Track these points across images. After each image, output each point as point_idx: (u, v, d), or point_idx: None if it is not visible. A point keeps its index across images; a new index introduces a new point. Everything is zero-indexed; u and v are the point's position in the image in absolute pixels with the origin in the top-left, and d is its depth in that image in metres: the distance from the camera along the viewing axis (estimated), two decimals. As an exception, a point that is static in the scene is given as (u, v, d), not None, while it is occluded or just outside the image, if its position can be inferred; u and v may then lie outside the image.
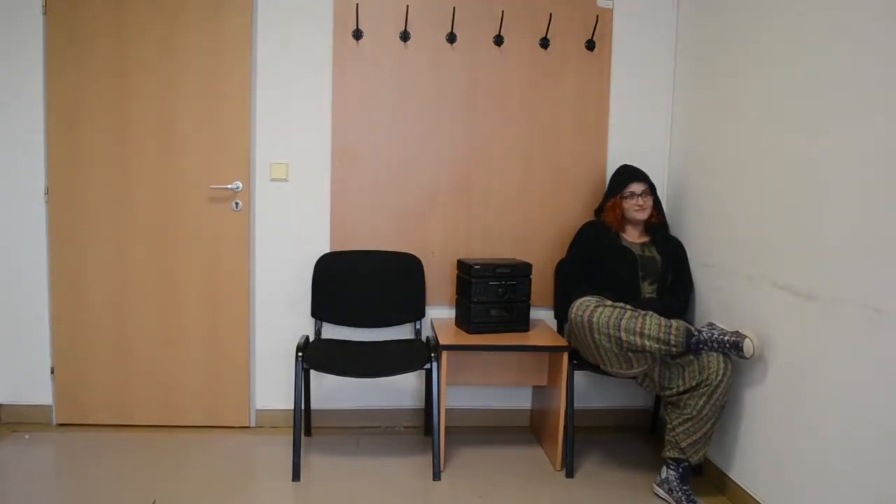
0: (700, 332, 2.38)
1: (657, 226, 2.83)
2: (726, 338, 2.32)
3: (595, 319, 2.41)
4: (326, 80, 2.92)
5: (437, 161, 3.00)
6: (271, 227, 2.96)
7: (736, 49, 2.56)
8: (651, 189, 2.78)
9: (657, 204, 2.82)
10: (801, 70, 2.16)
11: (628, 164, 2.88)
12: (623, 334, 2.35)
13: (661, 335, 2.33)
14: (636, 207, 2.74)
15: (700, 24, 2.86)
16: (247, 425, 3.02)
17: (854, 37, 1.93)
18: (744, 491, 2.39)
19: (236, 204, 2.93)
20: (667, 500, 2.45)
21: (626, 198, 2.77)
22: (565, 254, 2.92)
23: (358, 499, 2.44)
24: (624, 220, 2.79)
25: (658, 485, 2.49)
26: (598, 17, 2.98)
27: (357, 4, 2.87)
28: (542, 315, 3.05)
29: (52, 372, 2.94)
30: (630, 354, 2.38)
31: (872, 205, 1.83)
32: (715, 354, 2.36)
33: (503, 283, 2.77)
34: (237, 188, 2.92)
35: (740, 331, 2.33)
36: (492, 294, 2.76)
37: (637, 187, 2.76)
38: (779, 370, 2.23)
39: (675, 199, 3.03)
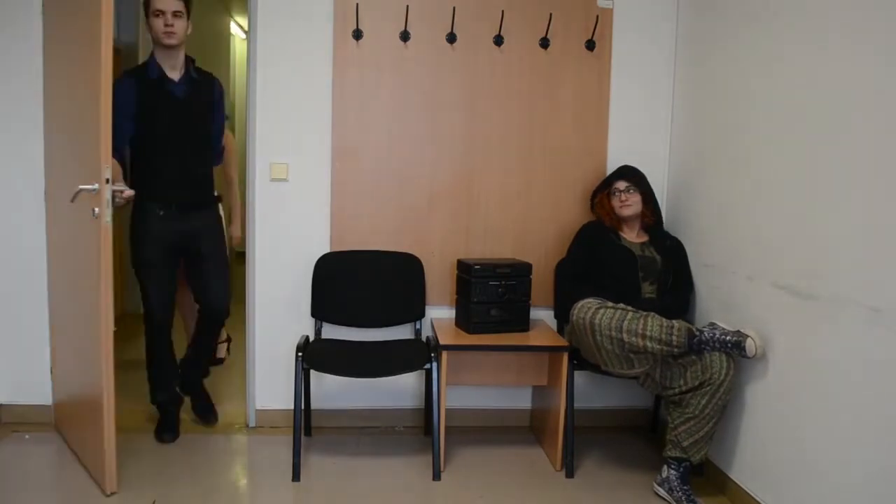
0: (702, 332, 2.38)
1: (654, 226, 2.83)
2: (728, 338, 2.32)
3: (597, 321, 2.41)
4: (326, 80, 2.92)
5: (437, 161, 2.99)
6: (271, 227, 2.96)
7: (736, 49, 2.56)
8: (638, 187, 2.78)
9: (650, 203, 2.81)
10: (800, 69, 2.16)
11: (627, 165, 2.89)
12: (625, 336, 2.35)
13: (664, 336, 2.33)
14: (619, 204, 2.77)
15: (700, 25, 2.86)
16: (247, 425, 3.03)
17: (854, 37, 1.93)
18: (744, 491, 2.39)
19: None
20: (667, 500, 2.45)
21: (612, 194, 2.80)
22: (565, 254, 2.92)
23: (358, 499, 2.44)
24: (616, 218, 2.81)
25: (659, 484, 2.49)
26: (598, 17, 2.98)
27: (357, 4, 2.87)
28: (542, 315, 3.04)
29: (52, 372, 2.94)
30: (632, 355, 2.38)
31: (872, 205, 1.83)
32: (718, 354, 2.36)
33: (503, 283, 2.77)
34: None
35: (742, 330, 2.33)
36: (492, 294, 2.76)
37: (620, 184, 2.79)
38: (778, 370, 2.23)
39: (675, 199, 3.03)
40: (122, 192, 2.33)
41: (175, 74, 2.62)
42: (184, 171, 2.69)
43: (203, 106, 2.73)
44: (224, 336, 3.81)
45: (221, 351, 3.78)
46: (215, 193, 2.92)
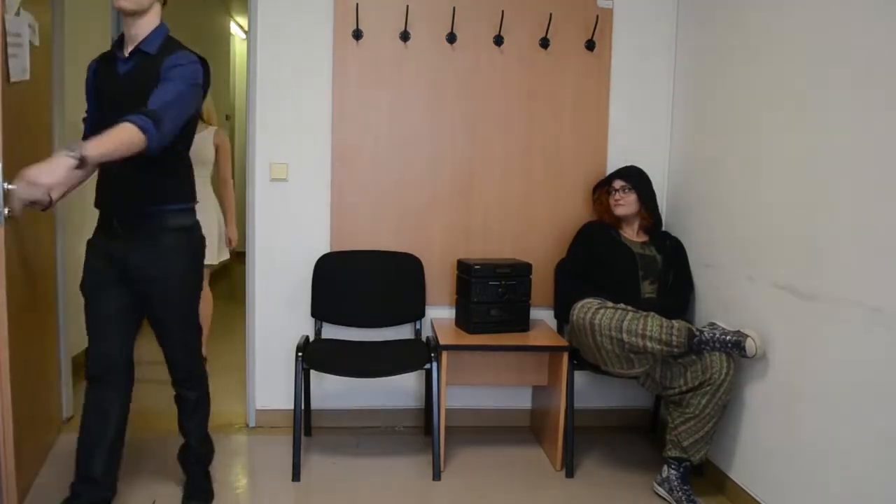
0: (702, 332, 2.38)
1: (652, 228, 2.84)
2: (728, 337, 2.32)
3: (597, 321, 2.41)
4: (326, 80, 2.92)
5: (437, 161, 2.99)
6: (271, 227, 2.96)
7: (736, 49, 2.56)
8: (635, 188, 2.79)
9: (648, 206, 2.81)
10: (800, 70, 2.16)
11: (634, 165, 2.90)
12: (625, 336, 2.36)
13: (664, 336, 2.34)
14: (613, 202, 2.81)
15: (700, 25, 2.86)
16: (247, 425, 3.03)
17: (854, 37, 1.93)
18: (744, 491, 2.39)
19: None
20: (667, 500, 2.45)
21: (609, 193, 2.83)
22: (565, 254, 2.93)
23: (358, 499, 2.44)
24: (615, 216, 2.83)
25: (659, 484, 2.49)
26: (598, 17, 2.98)
27: (357, 4, 2.87)
28: (542, 315, 3.04)
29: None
30: (632, 355, 2.38)
31: (872, 205, 1.83)
32: (718, 354, 2.36)
33: (503, 283, 2.77)
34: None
35: (742, 330, 2.33)
36: (492, 294, 2.76)
37: (617, 183, 2.82)
38: (779, 370, 2.23)
39: (675, 199, 3.03)
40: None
41: (129, 49, 2.02)
42: (118, 171, 1.97)
43: (149, 86, 1.94)
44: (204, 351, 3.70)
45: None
46: (179, 207, 2.11)
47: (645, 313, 2.40)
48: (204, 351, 3.53)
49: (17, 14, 2.14)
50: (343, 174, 2.95)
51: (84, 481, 2.09)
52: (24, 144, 2.03)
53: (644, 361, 2.41)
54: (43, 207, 2.02)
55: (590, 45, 3.00)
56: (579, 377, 2.92)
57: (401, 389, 3.07)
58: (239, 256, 3.60)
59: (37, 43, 2.35)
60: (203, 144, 3.45)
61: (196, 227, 2.20)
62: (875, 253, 1.82)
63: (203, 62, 2.06)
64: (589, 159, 3.05)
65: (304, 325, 2.95)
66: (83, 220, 2.90)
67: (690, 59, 2.93)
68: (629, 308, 2.44)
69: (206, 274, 3.54)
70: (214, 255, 3.51)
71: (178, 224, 2.10)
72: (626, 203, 2.78)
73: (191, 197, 2.17)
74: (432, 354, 2.63)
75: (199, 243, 2.21)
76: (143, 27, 2.01)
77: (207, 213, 3.44)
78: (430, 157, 2.99)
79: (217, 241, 3.53)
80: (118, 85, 2.02)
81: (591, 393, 3.12)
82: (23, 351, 2.25)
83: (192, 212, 2.19)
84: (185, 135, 2.07)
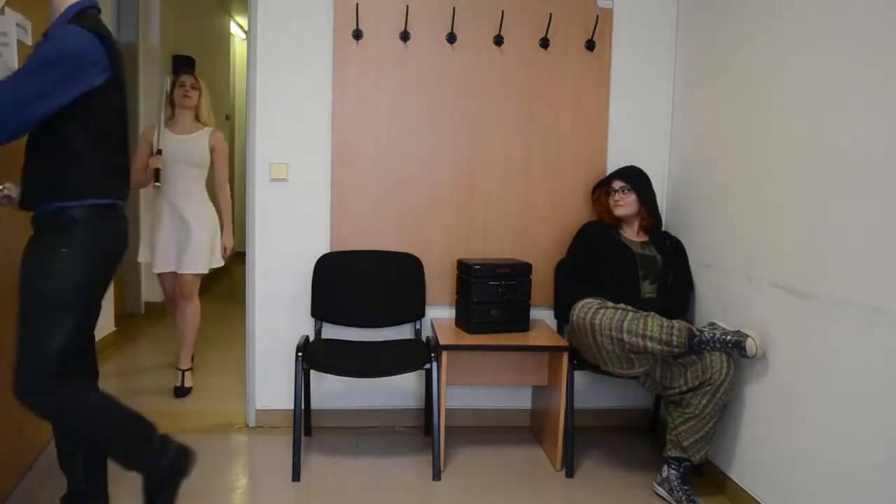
0: (702, 332, 2.38)
1: (652, 228, 2.84)
2: (728, 337, 2.32)
3: (597, 321, 2.41)
4: (326, 81, 2.92)
5: (437, 161, 2.99)
6: (271, 227, 2.96)
7: (736, 49, 2.56)
8: (634, 188, 2.79)
9: (648, 206, 2.81)
10: (801, 70, 2.16)
11: (634, 165, 2.91)
12: (625, 336, 2.36)
13: (664, 336, 2.34)
14: (612, 203, 2.81)
15: (700, 24, 2.86)
16: (247, 425, 3.03)
17: (855, 38, 1.93)
18: (744, 491, 2.39)
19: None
20: (667, 500, 2.45)
21: (609, 193, 2.84)
22: (565, 254, 2.93)
23: (358, 499, 2.44)
24: (615, 216, 2.83)
25: (659, 484, 2.49)
26: (598, 17, 2.98)
27: (357, 4, 2.87)
28: (542, 315, 3.04)
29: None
30: (632, 355, 2.39)
31: (872, 205, 1.83)
32: (718, 354, 2.36)
33: (503, 283, 2.77)
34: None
35: (742, 330, 2.33)
36: (492, 294, 2.76)
37: (616, 183, 2.82)
38: (779, 370, 2.23)
39: (675, 198, 3.03)
40: None
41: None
42: (23, 165, 1.87)
43: None
44: (188, 364, 3.42)
45: (188, 380, 3.39)
46: (60, 204, 1.82)
47: (645, 313, 2.40)
48: (189, 364, 3.41)
49: (2, 13, 2.13)
50: (343, 174, 2.95)
51: (74, 495, 2.04)
52: (13, 144, 2.01)
53: (644, 361, 2.41)
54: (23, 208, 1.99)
55: (590, 45, 3.00)
56: (579, 377, 2.92)
57: (401, 389, 3.07)
58: (239, 256, 3.59)
59: (29, 42, 2.34)
60: (197, 146, 3.35)
61: (91, 225, 1.84)
62: (875, 253, 1.82)
63: (99, 37, 1.80)
64: (589, 159, 3.05)
65: (304, 325, 2.95)
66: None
67: (690, 59, 2.93)
68: (629, 308, 2.44)
69: (197, 281, 3.42)
70: (206, 261, 3.37)
71: (58, 222, 1.82)
72: (625, 203, 2.78)
73: (91, 192, 1.85)
74: (432, 354, 2.63)
75: (89, 243, 1.85)
76: (58, 7, 1.84)
77: (201, 218, 3.35)
78: (431, 158, 2.99)
79: (210, 246, 3.38)
80: None
81: (591, 393, 3.12)
82: (11, 353, 2.24)
83: (98, 209, 1.86)
84: (78, 119, 1.79)
